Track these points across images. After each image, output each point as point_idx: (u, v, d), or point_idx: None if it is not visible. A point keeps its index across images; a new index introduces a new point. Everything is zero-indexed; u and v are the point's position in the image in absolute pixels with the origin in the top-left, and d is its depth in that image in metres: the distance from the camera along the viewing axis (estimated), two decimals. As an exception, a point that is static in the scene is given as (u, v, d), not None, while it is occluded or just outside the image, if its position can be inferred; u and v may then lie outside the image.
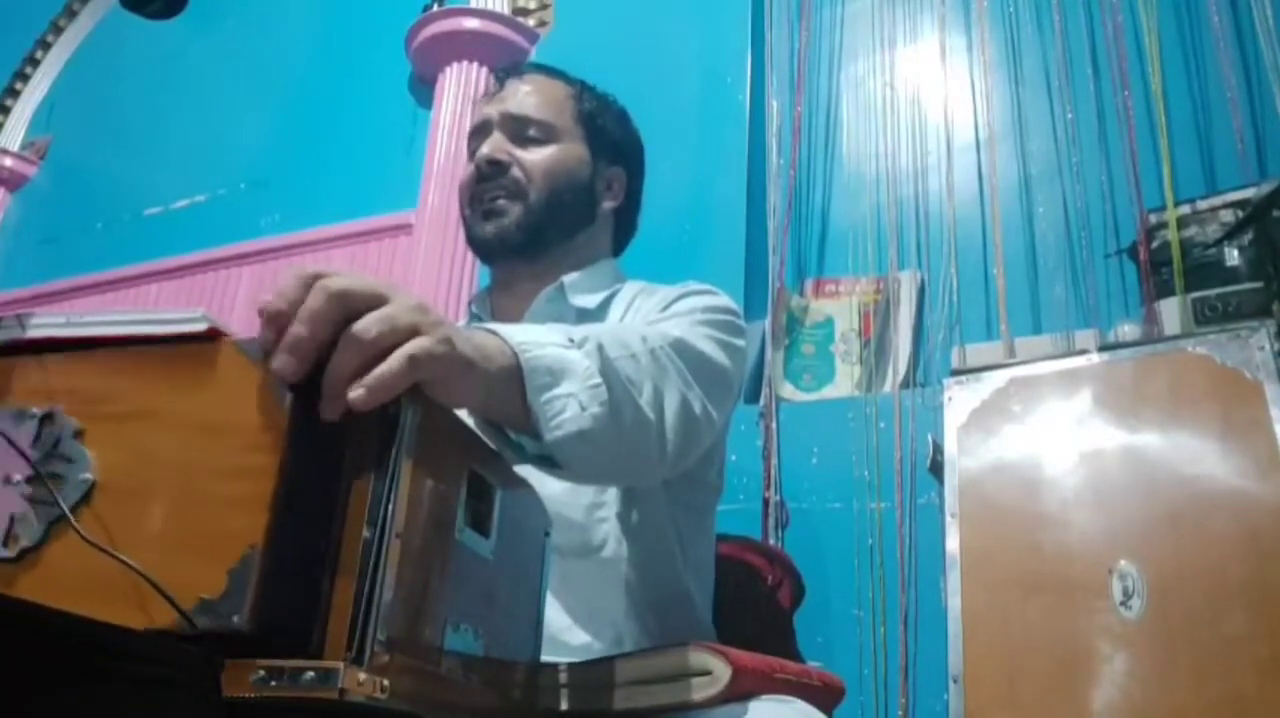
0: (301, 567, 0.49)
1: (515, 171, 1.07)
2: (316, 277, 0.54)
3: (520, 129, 1.09)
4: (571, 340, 0.71)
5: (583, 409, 0.68)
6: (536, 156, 1.08)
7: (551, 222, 1.08)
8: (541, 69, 1.17)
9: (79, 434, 0.51)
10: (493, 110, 1.10)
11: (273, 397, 0.49)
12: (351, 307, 0.54)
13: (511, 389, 0.66)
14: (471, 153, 1.12)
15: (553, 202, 1.07)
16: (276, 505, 0.47)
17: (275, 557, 0.47)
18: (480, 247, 1.10)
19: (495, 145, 1.08)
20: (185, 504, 0.48)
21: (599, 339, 0.73)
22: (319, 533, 0.50)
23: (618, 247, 1.19)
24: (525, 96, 1.10)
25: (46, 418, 0.52)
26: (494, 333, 0.67)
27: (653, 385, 0.78)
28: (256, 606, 0.45)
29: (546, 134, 1.09)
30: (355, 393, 0.52)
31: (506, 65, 1.19)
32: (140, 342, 0.53)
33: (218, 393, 0.50)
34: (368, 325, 0.54)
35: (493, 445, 0.67)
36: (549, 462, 0.71)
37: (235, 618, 0.45)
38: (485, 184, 1.08)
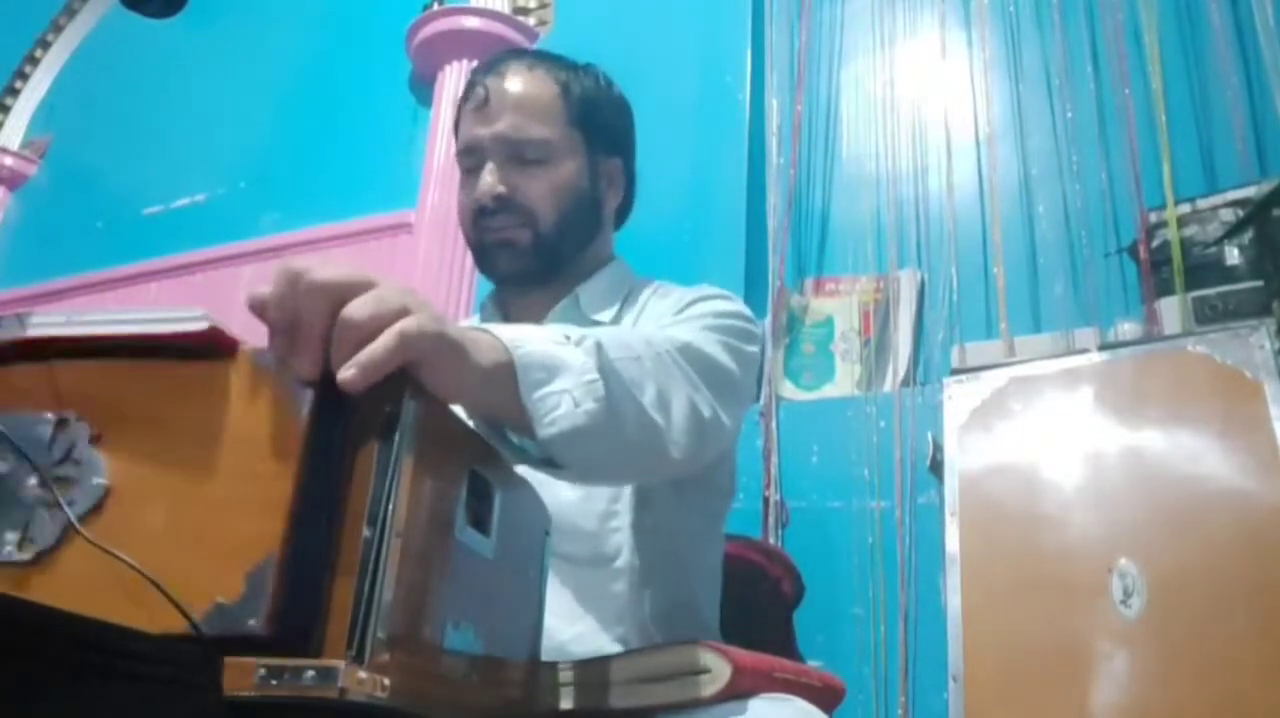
0: (311, 569, 0.49)
1: (521, 200, 1.03)
2: (301, 274, 0.54)
3: (516, 151, 1.04)
4: (568, 338, 0.71)
5: (576, 405, 0.67)
6: (541, 185, 1.04)
7: (564, 243, 1.05)
8: (522, 60, 1.10)
9: (95, 439, 0.52)
10: (483, 131, 1.04)
11: (290, 404, 0.51)
12: (342, 295, 0.54)
13: (505, 386, 0.65)
14: (464, 170, 1.07)
15: (563, 225, 1.04)
16: (294, 511, 0.48)
17: (291, 561, 0.48)
18: (495, 278, 1.09)
19: (495, 178, 1.03)
20: (201, 509, 0.49)
21: (598, 338, 0.73)
22: (327, 535, 0.51)
23: (617, 223, 1.17)
24: (515, 114, 1.04)
25: (61, 423, 0.52)
26: (486, 331, 0.66)
27: (657, 386, 0.77)
28: (274, 610, 0.46)
29: (544, 153, 1.04)
30: (346, 373, 0.51)
31: (483, 63, 1.12)
32: (150, 350, 0.53)
33: (235, 401, 0.52)
34: (359, 306, 0.53)
35: (498, 448, 0.67)
36: (552, 464, 0.70)
37: (251, 622, 0.46)
38: (492, 218, 1.04)
